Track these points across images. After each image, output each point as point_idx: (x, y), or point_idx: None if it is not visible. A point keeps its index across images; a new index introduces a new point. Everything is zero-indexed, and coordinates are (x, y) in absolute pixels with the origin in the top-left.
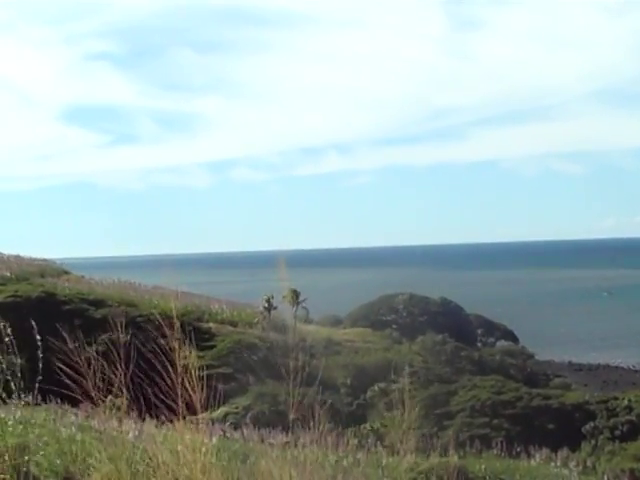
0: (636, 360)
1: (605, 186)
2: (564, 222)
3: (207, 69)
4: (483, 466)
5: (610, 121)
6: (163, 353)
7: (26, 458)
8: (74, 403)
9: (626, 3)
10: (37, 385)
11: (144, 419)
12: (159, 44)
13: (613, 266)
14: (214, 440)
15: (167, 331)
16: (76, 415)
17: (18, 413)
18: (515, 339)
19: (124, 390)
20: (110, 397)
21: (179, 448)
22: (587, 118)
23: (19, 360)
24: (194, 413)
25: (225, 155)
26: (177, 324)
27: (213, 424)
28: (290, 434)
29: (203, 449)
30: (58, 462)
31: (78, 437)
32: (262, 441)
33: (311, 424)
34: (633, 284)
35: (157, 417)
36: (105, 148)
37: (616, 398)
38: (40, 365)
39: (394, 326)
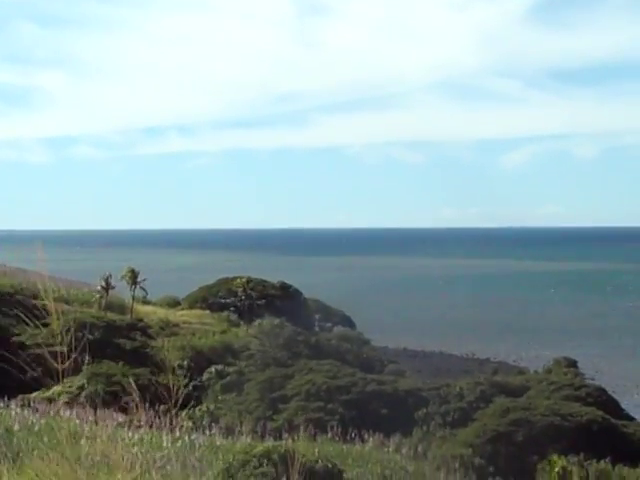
0: (469, 348)
1: (443, 177)
2: (404, 210)
3: (50, 43)
4: (316, 450)
5: (450, 112)
6: None
7: None
8: None
9: None
10: None
11: None
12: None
13: (452, 255)
14: (47, 419)
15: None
16: None
17: None
18: (352, 325)
19: None
20: None
21: (15, 427)
22: (428, 108)
23: None
24: (28, 391)
25: (66, 132)
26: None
27: (47, 403)
28: (125, 415)
29: (36, 428)
30: None
31: None
32: (96, 422)
33: (146, 405)
34: (468, 274)
35: None
36: None
37: (448, 385)
38: None
39: (232, 309)
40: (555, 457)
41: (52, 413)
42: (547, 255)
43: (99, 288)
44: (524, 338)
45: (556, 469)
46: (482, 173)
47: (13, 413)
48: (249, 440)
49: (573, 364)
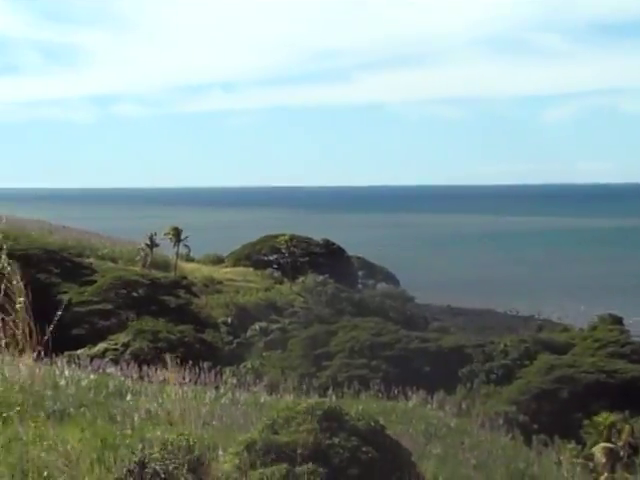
0: (513, 306)
1: (489, 133)
2: (448, 167)
3: (94, 1)
4: (360, 407)
5: (494, 68)
6: (42, 288)
7: None
8: None
9: None
10: None
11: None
12: None
13: (496, 213)
14: (93, 376)
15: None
16: None
17: None
18: (396, 282)
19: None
20: None
21: (62, 383)
22: (472, 65)
23: None
24: (74, 348)
25: (109, 90)
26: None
27: (92, 360)
28: (169, 371)
29: (82, 384)
30: None
31: None
32: (141, 378)
33: (191, 362)
34: (514, 230)
35: (37, 352)
36: None
37: (492, 342)
38: None
39: (275, 266)
40: (604, 414)
41: (98, 370)
42: (592, 212)
43: (143, 246)
44: (569, 295)
45: (601, 427)
46: (526, 129)
47: (60, 370)
48: (293, 397)
49: (618, 321)
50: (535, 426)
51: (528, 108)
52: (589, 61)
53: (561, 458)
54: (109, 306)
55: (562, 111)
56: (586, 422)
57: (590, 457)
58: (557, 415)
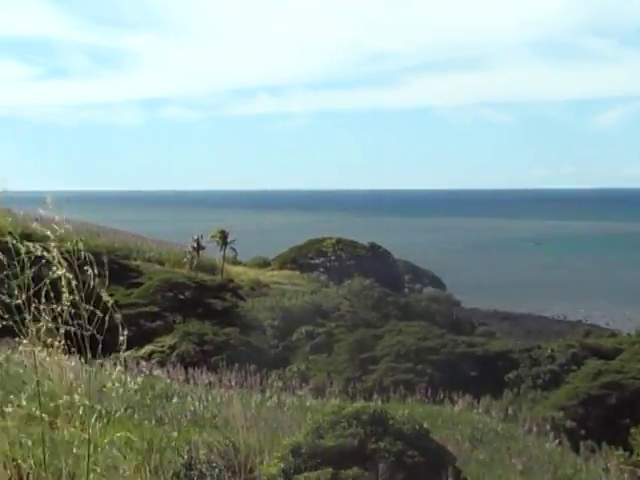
0: (560, 311)
1: (535, 137)
2: (493, 171)
3: (141, 5)
4: (406, 411)
5: (541, 72)
6: (88, 290)
7: None
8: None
9: None
10: None
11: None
12: None
13: (540, 217)
14: (139, 379)
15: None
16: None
17: None
18: (442, 286)
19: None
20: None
21: (108, 385)
22: (519, 68)
23: None
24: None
25: (156, 93)
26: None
27: (139, 362)
28: (215, 374)
29: (131, 385)
30: None
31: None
32: (187, 380)
33: (236, 365)
34: (560, 235)
35: (82, 354)
36: (36, 81)
37: (539, 347)
38: None
39: (322, 269)
40: None
41: (144, 372)
42: (637, 216)
43: (190, 249)
44: (615, 300)
45: None
46: (573, 133)
47: (106, 372)
48: (339, 401)
49: None
50: (582, 432)
51: (575, 112)
52: (637, 65)
53: (609, 465)
54: (156, 308)
55: (609, 115)
56: (634, 428)
57: (638, 464)
58: (605, 421)
